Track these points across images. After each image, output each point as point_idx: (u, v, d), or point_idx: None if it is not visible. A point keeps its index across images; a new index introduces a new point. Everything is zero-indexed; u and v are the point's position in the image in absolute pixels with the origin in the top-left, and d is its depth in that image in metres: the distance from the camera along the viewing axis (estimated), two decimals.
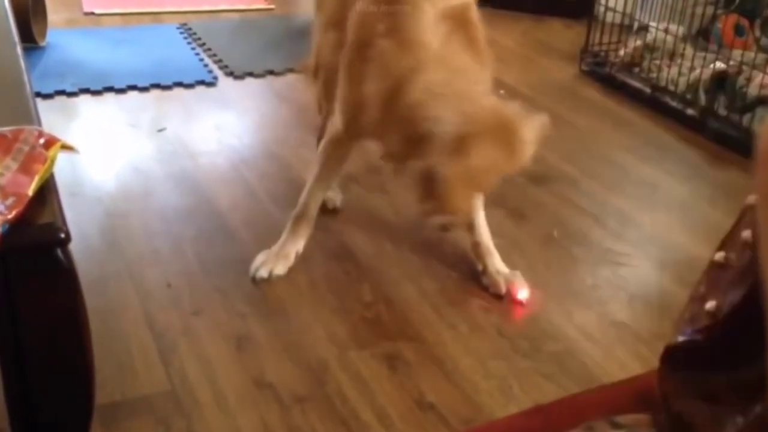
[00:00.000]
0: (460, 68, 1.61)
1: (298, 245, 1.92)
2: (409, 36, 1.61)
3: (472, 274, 1.95)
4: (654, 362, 0.86)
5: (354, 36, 1.72)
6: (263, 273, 1.87)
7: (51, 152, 1.06)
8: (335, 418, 1.52)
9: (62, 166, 1.10)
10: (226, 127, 2.65)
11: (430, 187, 1.56)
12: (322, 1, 2.03)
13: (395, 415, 1.54)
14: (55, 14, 3.32)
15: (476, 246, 1.94)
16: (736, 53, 2.80)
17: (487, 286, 1.90)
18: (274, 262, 1.89)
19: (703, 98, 2.78)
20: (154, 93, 2.87)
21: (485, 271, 1.92)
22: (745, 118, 2.64)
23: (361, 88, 1.66)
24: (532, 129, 1.59)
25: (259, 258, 1.90)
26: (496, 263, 1.92)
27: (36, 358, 1.02)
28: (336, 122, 1.84)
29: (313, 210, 1.93)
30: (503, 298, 1.87)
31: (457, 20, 1.65)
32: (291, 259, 1.90)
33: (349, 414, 1.53)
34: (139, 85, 2.89)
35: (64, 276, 0.99)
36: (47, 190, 1.04)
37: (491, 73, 1.73)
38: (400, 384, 1.61)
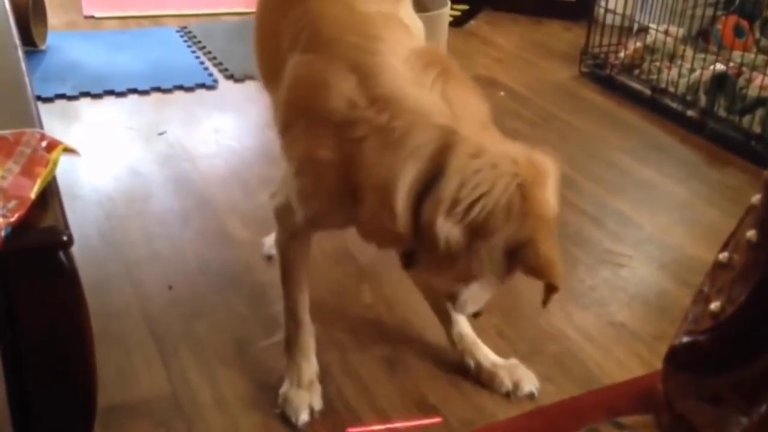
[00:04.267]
0: (473, 118, 1.29)
1: (313, 364, 1.58)
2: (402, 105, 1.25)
3: None
4: (653, 363, 0.86)
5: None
6: (305, 417, 1.51)
7: (53, 155, 1.05)
8: (337, 421, 1.52)
9: (63, 169, 1.10)
10: (225, 130, 2.65)
11: (517, 269, 1.28)
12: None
13: (397, 417, 1.53)
14: (55, 18, 3.32)
15: (461, 338, 1.66)
16: (736, 55, 2.81)
17: (484, 383, 1.62)
18: (308, 397, 1.54)
19: (703, 99, 2.78)
20: (154, 96, 2.87)
21: (479, 366, 1.63)
22: (745, 120, 2.64)
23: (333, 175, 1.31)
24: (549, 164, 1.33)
25: (290, 398, 1.53)
26: (489, 355, 1.64)
27: (38, 361, 1.02)
28: (285, 212, 1.46)
29: (303, 314, 1.57)
30: (510, 396, 1.59)
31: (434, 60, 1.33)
32: (317, 383, 1.57)
33: (351, 417, 1.53)
34: (139, 88, 2.89)
35: (66, 279, 0.99)
36: (49, 193, 1.03)
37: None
38: (401, 386, 1.61)
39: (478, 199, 1.20)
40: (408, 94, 1.24)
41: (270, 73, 1.59)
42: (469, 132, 1.24)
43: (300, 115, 1.37)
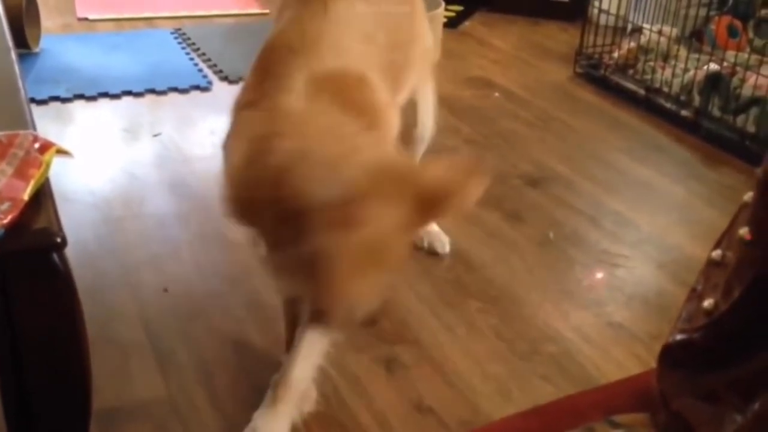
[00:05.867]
0: (330, 129, 1.25)
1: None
2: (272, 102, 1.29)
3: (468, 275, 1.95)
4: (651, 363, 0.86)
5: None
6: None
7: (46, 157, 1.05)
8: (334, 422, 1.52)
9: (57, 172, 1.09)
10: (221, 132, 2.64)
11: (316, 276, 1.12)
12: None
13: (394, 418, 1.53)
14: (48, 20, 3.32)
15: None
16: (730, 54, 2.81)
17: None
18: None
19: (697, 99, 2.78)
20: (149, 98, 2.87)
21: None
22: (739, 119, 2.65)
23: (227, 167, 1.35)
24: (439, 175, 1.14)
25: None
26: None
27: (33, 364, 1.02)
28: None
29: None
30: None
31: (337, 85, 1.33)
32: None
33: (348, 418, 1.53)
34: (134, 90, 2.89)
35: (61, 281, 0.99)
36: (42, 194, 1.03)
37: (390, 132, 1.42)
38: (398, 387, 1.61)
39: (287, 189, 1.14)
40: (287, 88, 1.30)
41: None
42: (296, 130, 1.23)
43: None
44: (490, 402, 1.58)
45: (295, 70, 1.33)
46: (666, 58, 2.99)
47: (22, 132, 1.09)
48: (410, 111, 1.86)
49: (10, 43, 1.56)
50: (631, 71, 3.07)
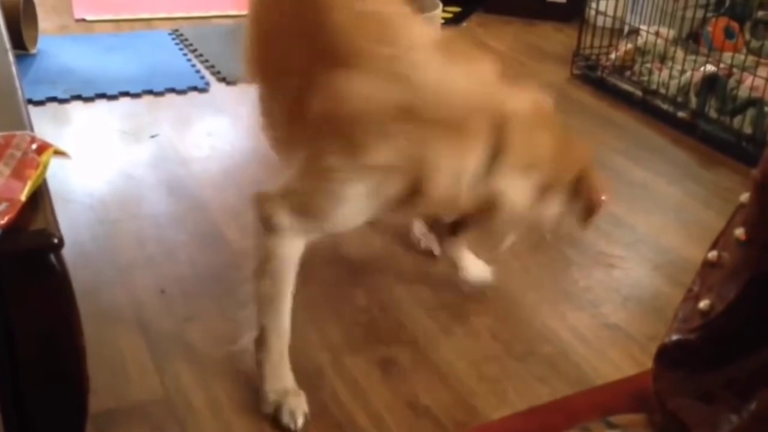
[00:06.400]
0: (497, 83, 1.49)
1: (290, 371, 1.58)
2: (426, 74, 1.41)
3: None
4: (647, 364, 0.86)
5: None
6: (302, 421, 1.51)
7: (43, 158, 1.05)
8: (330, 423, 1.52)
9: (54, 173, 1.10)
10: (218, 133, 2.65)
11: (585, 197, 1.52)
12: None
13: (390, 419, 1.54)
14: (46, 21, 3.31)
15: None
16: (726, 56, 2.82)
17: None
18: (299, 401, 1.53)
19: (693, 101, 2.79)
20: (147, 99, 2.87)
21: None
22: (736, 120, 2.65)
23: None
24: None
25: (285, 404, 1.52)
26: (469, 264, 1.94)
27: (29, 365, 1.02)
28: (305, 215, 1.46)
29: (288, 325, 1.55)
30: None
31: (450, 43, 1.51)
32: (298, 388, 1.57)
33: (345, 419, 1.53)
34: (131, 91, 2.88)
35: (58, 281, 0.99)
36: (40, 195, 1.03)
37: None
38: (394, 388, 1.61)
39: (539, 161, 1.42)
40: (452, 89, 1.41)
41: (270, 71, 1.70)
42: (509, 106, 1.43)
43: (347, 127, 1.40)
44: (485, 403, 1.58)
45: (413, 36, 1.45)
46: (663, 59, 2.99)
47: (19, 133, 1.09)
48: None
49: (8, 45, 1.56)
50: (628, 73, 3.08)
